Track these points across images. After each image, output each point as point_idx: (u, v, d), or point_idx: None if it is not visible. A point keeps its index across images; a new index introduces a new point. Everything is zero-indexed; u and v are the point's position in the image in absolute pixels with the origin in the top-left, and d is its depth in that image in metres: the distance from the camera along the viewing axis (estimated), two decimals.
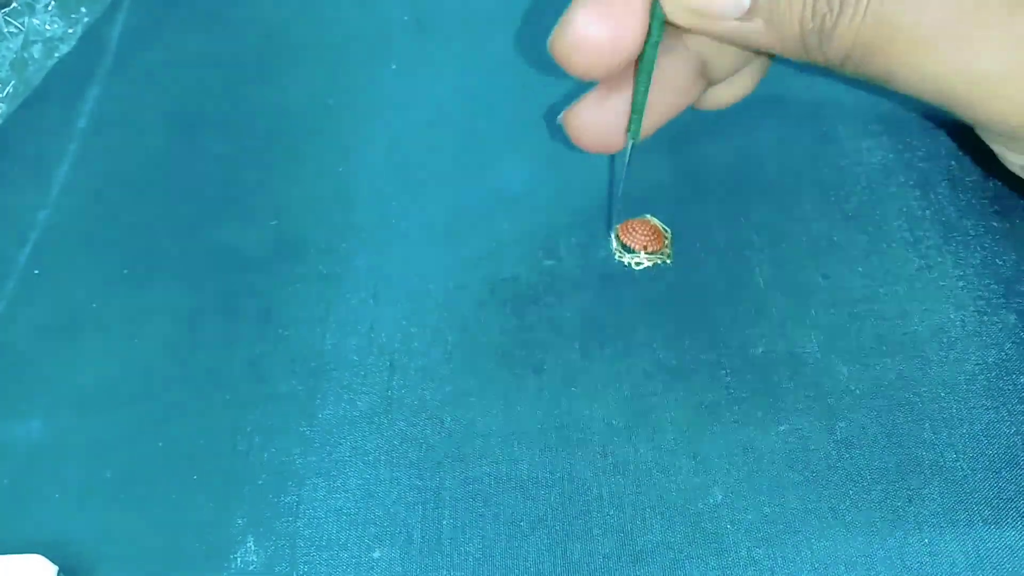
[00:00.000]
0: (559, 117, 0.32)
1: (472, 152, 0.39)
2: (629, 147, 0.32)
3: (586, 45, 0.29)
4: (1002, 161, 0.31)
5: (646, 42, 0.29)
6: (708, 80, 0.32)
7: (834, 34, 0.27)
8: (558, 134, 0.39)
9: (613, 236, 0.35)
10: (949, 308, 0.32)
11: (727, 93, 0.33)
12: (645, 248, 0.34)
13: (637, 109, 0.31)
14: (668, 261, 0.34)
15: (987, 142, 0.31)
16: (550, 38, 0.29)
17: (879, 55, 0.27)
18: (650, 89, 0.30)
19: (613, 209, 0.35)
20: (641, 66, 0.30)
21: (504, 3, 0.45)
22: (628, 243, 0.34)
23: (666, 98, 0.32)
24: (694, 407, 0.31)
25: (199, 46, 0.46)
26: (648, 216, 0.35)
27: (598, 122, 0.32)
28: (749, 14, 0.28)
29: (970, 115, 0.28)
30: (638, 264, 0.34)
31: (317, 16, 0.47)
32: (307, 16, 0.47)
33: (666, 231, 0.35)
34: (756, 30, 0.28)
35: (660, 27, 0.29)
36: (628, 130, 0.31)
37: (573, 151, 0.37)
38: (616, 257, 0.34)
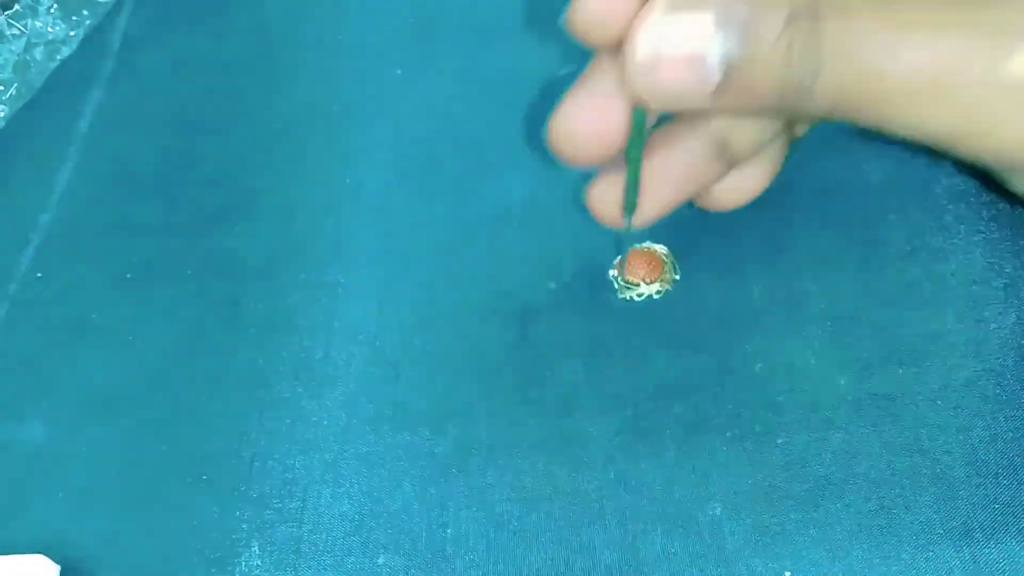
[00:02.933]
0: (585, 195, 0.33)
1: (476, 163, 0.39)
2: (627, 224, 0.32)
3: (573, 140, 0.30)
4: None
5: (631, 131, 0.29)
6: (728, 160, 0.32)
7: (814, 94, 0.26)
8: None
9: (614, 274, 0.35)
10: (947, 316, 0.32)
11: (740, 191, 0.33)
12: (644, 280, 0.34)
13: (631, 186, 0.31)
14: (670, 287, 0.34)
15: (998, 176, 0.30)
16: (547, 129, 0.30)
17: (866, 108, 0.26)
18: (670, 172, 0.31)
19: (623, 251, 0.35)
20: (629, 154, 0.30)
21: (509, 11, 0.45)
22: (628, 278, 0.34)
23: (684, 182, 0.31)
24: (694, 422, 0.31)
25: (201, 49, 0.46)
26: (647, 244, 0.35)
27: (612, 199, 0.32)
28: (722, 87, 0.27)
29: (973, 155, 0.27)
30: (640, 295, 0.34)
31: (320, 21, 0.47)
32: (310, 21, 0.47)
33: (666, 257, 0.35)
34: (733, 100, 0.27)
35: (640, 116, 0.29)
36: (623, 212, 0.32)
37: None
38: (619, 295, 0.34)
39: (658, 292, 0.34)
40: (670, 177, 0.31)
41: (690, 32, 0.26)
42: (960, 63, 0.25)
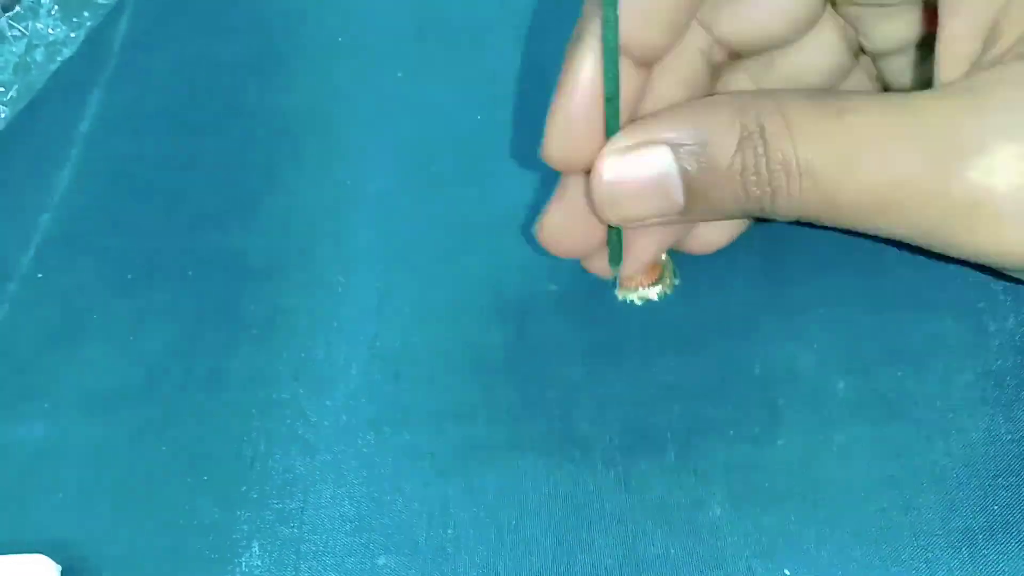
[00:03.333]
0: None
1: (476, 162, 0.39)
2: (615, 278, 0.33)
3: (559, 247, 0.31)
4: None
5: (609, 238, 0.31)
6: None
7: (776, 209, 0.27)
8: None
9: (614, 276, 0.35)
10: (946, 319, 0.32)
11: (716, 235, 0.34)
12: (644, 283, 0.34)
13: (613, 252, 0.31)
14: (670, 292, 0.34)
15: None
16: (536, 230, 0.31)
17: (827, 219, 0.27)
18: (649, 231, 0.31)
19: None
20: (610, 257, 0.31)
21: (509, 12, 0.45)
22: (627, 281, 0.34)
23: (663, 237, 0.32)
24: (694, 425, 0.31)
25: (202, 51, 0.46)
26: None
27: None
28: (688, 207, 0.28)
29: (955, 253, 0.27)
30: (640, 299, 0.34)
31: (320, 22, 0.47)
32: (311, 22, 0.47)
33: (666, 261, 0.34)
34: (701, 215, 0.28)
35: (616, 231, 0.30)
36: (609, 263, 0.32)
37: None
38: (618, 298, 0.34)
39: (659, 296, 0.34)
40: (649, 235, 0.32)
41: (648, 163, 0.27)
42: (909, 183, 0.25)
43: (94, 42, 0.47)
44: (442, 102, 0.42)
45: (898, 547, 0.28)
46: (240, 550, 0.30)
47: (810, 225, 0.29)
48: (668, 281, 0.34)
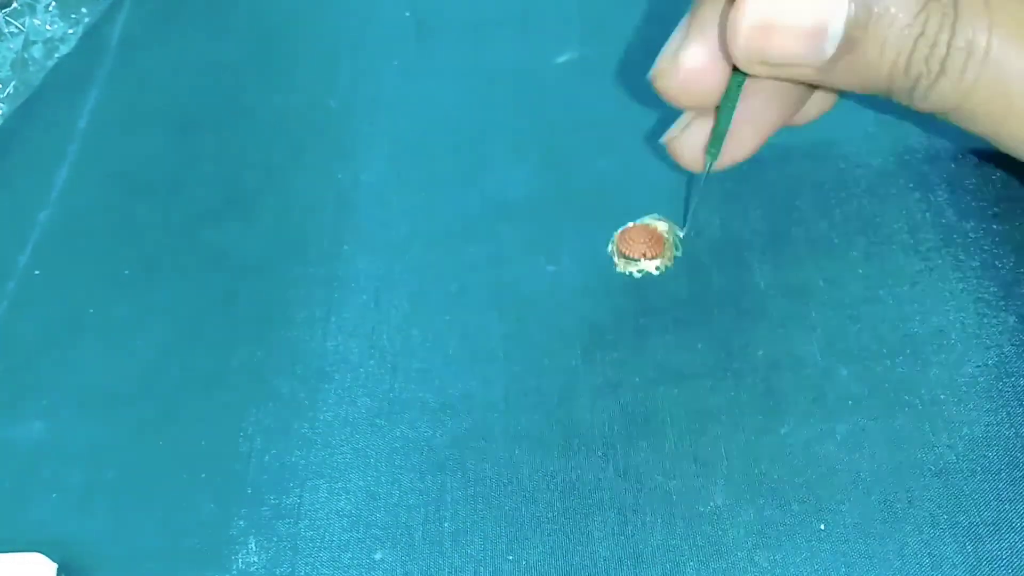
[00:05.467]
0: (661, 139, 0.33)
1: (473, 155, 0.39)
2: (708, 167, 0.32)
3: (675, 86, 0.29)
4: None
5: (728, 88, 0.29)
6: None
7: (930, 94, 0.24)
8: (560, 138, 0.39)
9: (612, 247, 0.35)
10: (949, 310, 0.32)
11: (815, 106, 0.33)
12: (644, 255, 0.34)
13: (717, 137, 0.31)
14: (670, 264, 0.34)
15: None
16: (652, 72, 0.29)
17: (986, 118, 0.24)
18: (766, 110, 0.31)
19: (688, 216, 0.35)
20: (723, 102, 0.30)
21: (506, 9, 0.45)
22: (627, 252, 0.34)
23: (777, 117, 0.31)
24: (695, 411, 0.31)
25: (200, 47, 0.46)
26: (647, 219, 0.35)
27: (696, 144, 0.32)
28: (831, 61, 0.25)
29: None
30: (640, 272, 0.34)
31: (318, 17, 0.47)
32: (308, 17, 0.47)
33: (667, 233, 0.34)
34: (838, 75, 0.25)
35: (738, 77, 0.28)
36: (707, 151, 0.32)
37: (574, 155, 0.37)
38: (617, 268, 0.34)
39: (658, 268, 0.34)
40: (765, 115, 0.30)
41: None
42: None
43: (92, 39, 0.47)
44: (439, 94, 0.42)
45: (902, 540, 0.27)
46: (237, 546, 0.30)
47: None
48: (668, 254, 0.34)
